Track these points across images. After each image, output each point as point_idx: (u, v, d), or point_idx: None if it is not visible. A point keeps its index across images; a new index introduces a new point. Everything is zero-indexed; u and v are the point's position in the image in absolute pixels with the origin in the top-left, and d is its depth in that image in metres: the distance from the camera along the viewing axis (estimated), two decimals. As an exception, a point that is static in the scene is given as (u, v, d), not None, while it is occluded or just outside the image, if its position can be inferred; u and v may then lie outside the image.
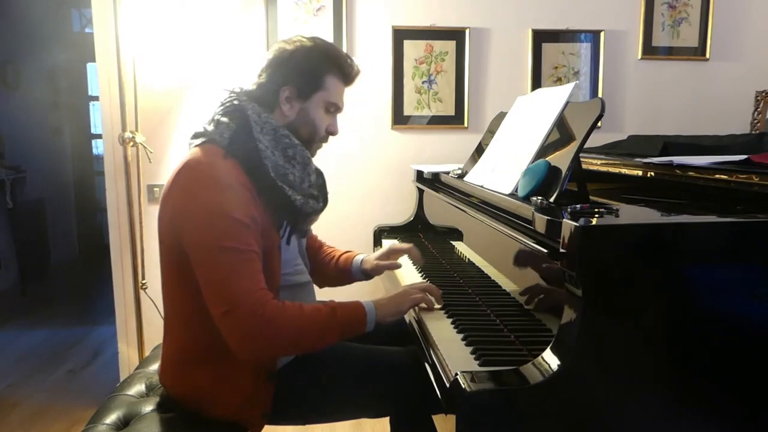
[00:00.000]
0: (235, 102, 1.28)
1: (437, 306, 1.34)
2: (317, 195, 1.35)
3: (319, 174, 1.40)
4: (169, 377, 1.30)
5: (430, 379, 1.06)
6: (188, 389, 1.26)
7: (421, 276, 1.64)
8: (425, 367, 1.12)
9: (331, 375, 1.31)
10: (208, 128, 1.26)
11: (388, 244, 2.12)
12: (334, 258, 1.63)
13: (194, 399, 1.25)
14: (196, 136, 1.28)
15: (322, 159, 2.70)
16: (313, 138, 1.36)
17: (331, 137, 1.39)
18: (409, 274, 1.70)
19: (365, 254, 1.63)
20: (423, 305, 1.33)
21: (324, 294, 1.65)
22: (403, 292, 1.33)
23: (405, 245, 1.63)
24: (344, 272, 1.61)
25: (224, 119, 1.26)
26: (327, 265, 1.62)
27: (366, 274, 1.60)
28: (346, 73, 1.35)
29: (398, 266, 1.62)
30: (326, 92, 1.33)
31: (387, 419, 1.44)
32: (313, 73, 1.31)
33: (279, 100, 1.30)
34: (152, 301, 2.34)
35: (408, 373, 1.31)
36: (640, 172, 1.47)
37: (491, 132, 1.79)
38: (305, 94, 1.31)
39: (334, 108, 1.36)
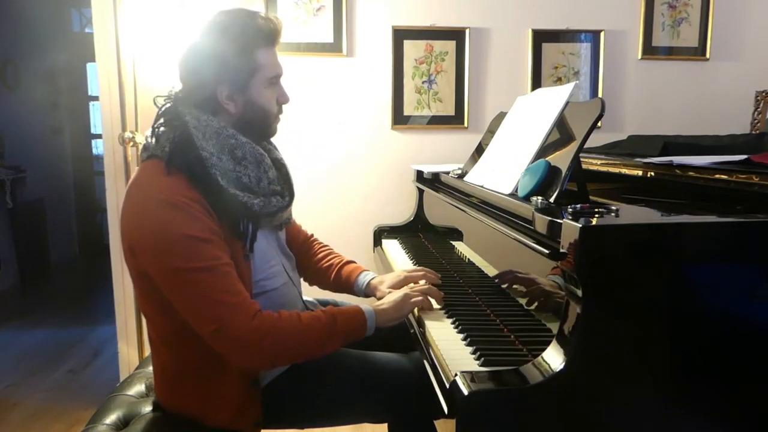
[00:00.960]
0: (172, 109, 1.20)
1: (437, 306, 1.34)
2: (281, 190, 1.27)
3: (280, 165, 1.33)
4: (160, 391, 1.30)
5: (429, 384, 1.05)
6: (178, 404, 1.25)
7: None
8: (424, 372, 1.12)
9: (328, 381, 1.29)
10: (150, 141, 1.19)
11: (387, 244, 2.13)
12: (334, 267, 1.53)
13: (186, 412, 1.24)
14: (143, 149, 1.21)
15: (323, 158, 2.68)
16: (268, 120, 1.28)
17: (285, 106, 1.31)
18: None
19: (371, 273, 1.50)
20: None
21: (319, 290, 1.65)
22: (404, 296, 1.30)
23: (419, 272, 1.47)
24: (345, 287, 1.51)
25: (163, 129, 1.18)
26: (323, 271, 1.54)
27: (369, 295, 1.48)
28: (270, 36, 1.22)
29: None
30: (262, 70, 1.22)
31: (386, 424, 1.44)
32: (240, 59, 1.19)
33: (220, 102, 1.21)
34: (152, 301, 2.34)
35: (406, 379, 1.30)
36: (640, 172, 1.47)
37: (491, 132, 1.79)
38: (243, 84, 1.21)
39: (276, 79, 1.26)
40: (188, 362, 1.21)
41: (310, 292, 1.60)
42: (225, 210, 1.15)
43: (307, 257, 1.57)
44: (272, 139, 1.37)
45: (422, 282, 1.42)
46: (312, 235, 1.62)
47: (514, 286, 1.32)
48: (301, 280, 1.53)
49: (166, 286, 1.11)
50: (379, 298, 1.41)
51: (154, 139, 1.18)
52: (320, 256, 1.57)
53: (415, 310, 1.33)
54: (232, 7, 1.24)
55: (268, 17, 1.23)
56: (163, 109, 1.22)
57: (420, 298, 1.30)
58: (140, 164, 1.21)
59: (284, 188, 1.30)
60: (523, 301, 1.25)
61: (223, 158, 1.17)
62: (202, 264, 1.08)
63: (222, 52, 1.18)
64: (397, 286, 1.41)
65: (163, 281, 1.11)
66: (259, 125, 1.27)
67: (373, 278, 1.48)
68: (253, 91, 1.23)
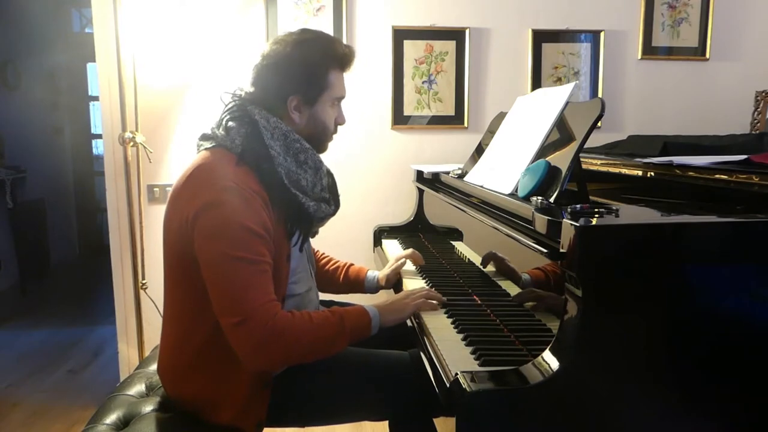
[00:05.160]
0: (241, 107, 1.27)
1: (438, 310, 1.33)
2: (329, 198, 1.35)
3: (330, 175, 1.40)
4: (167, 378, 1.30)
5: (429, 382, 1.06)
6: (185, 393, 1.25)
7: (421, 276, 1.64)
8: (424, 370, 1.12)
9: (329, 379, 1.30)
10: (218, 132, 1.25)
11: (387, 244, 2.13)
12: (341, 269, 1.64)
13: (191, 402, 1.24)
14: (205, 138, 1.26)
15: (323, 158, 2.69)
16: (325, 136, 1.36)
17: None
18: (408, 271, 1.70)
19: (376, 271, 1.65)
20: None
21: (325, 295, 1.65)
22: (405, 297, 1.33)
23: (407, 252, 1.70)
24: (354, 286, 1.63)
25: (233, 124, 1.24)
26: (331, 274, 1.64)
27: (378, 289, 1.64)
28: (345, 62, 1.33)
29: (404, 264, 1.68)
30: (331, 90, 1.31)
31: (387, 422, 1.44)
32: (316, 76, 1.29)
33: (287, 109, 1.29)
34: (152, 301, 2.34)
35: (406, 377, 1.30)
36: (640, 172, 1.47)
37: (491, 132, 1.79)
38: (312, 99, 1.30)
39: (339, 100, 1.36)
40: (203, 352, 1.22)
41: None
42: (283, 207, 1.23)
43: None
44: None
45: (418, 275, 1.46)
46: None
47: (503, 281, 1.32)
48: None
49: (207, 269, 1.13)
50: (384, 285, 1.61)
51: (222, 131, 1.24)
52: (324, 261, 1.67)
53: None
54: (315, 29, 1.35)
55: (346, 45, 1.34)
56: (229, 105, 1.29)
57: (421, 301, 1.32)
58: (203, 151, 1.24)
59: (331, 197, 1.36)
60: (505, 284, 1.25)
61: (288, 159, 1.25)
62: (247, 255, 1.11)
63: (301, 65, 1.27)
64: (392, 273, 1.63)
65: (207, 262, 1.13)
66: (316, 139, 1.34)
67: (380, 275, 1.64)
68: (319, 107, 1.31)
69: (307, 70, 1.27)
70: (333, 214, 1.37)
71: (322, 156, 1.36)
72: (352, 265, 1.66)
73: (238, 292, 1.10)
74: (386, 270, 1.65)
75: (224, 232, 1.11)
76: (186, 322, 1.24)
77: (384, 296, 1.60)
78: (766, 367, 0.97)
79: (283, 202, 1.22)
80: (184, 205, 1.17)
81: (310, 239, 1.44)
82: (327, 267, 1.65)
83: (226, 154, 1.21)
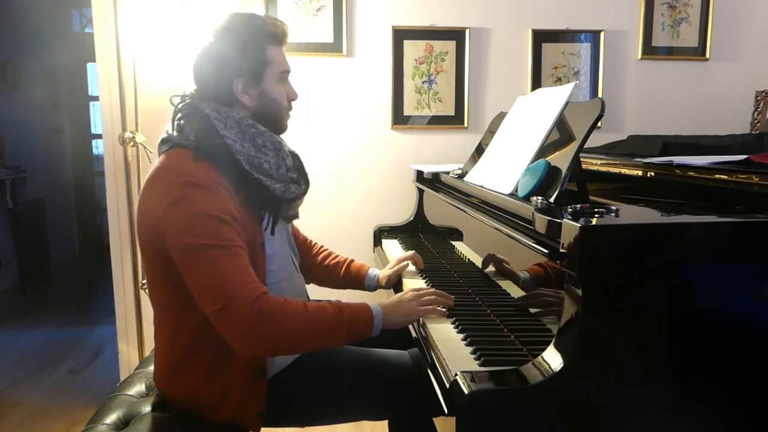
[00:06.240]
0: (190, 104, 1.27)
1: (444, 314, 1.32)
2: (297, 178, 1.33)
3: (295, 156, 1.39)
4: (163, 380, 1.30)
5: (428, 381, 1.06)
6: (182, 392, 1.25)
7: (421, 276, 1.64)
8: (423, 369, 1.12)
9: (328, 378, 1.30)
10: (172, 134, 1.25)
11: (387, 244, 2.13)
12: (342, 264, 1.62)
13: (189, 401, 1.24)
14: (163, 142, 1.26)
15: (322, 158, 2.69)
16: (280, 114, 1.35)
17: (294, 102, 1.39)
18: (408, 271, 1.70)
19: (377, 269, 1.65)
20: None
21: (321, 292, 1.66)
22: (412, 299, 1.29)
23: (408, 253, 1.70)
24: (355, 281, 1.62)
25: (184, 122, 1.25)
26: (331, 269, 1.62)
27: (377, 287, 1.63)
28: (278, 35, 1.33)
29: (406, 267, 1.67)
30: (273, 64, 1.31)
31: (387, 422, 1.44)
32: (253, 54, 1.28)
33: (236, 95, 1.28)
34: (152, 301, 2.34)
35: (406, 376, 1.30)
36: (640, 172, 1.47)
37: (491, 132, 1.79)
38: (257, 77, 1.29)
39: (285, 74, 1.35)
40: (194, 347, 1.22)
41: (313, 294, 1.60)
42: (248, 194, 1.22)
43: (309, 258, 1.62)
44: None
45: (420, 281, 1.44)
46: (308, 239, 1.67)
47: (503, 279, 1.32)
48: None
49: (182, 264, 1.12)
50: (384, 285, 1.61)
51: (175, 132, 1.25)
52: (323, 255, 1.64)
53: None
54: (243, 12, 1.35)
55: (276, 20, 1.34)
56: (179, 105, 1.29)
57: (431, 308, 1.28)
58: (162, 155, 1.25)
59: (300, 177, 1.36)
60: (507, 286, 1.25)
61: (246, 145, 1.24)
62: (216, 242, 1.11)
63: (238, 48, 1.27)
64: (393, 274, 1.62)
65: (180, 258, 1.12)
66: (272, 118, 1.33)
67: (381, 274, 1.63)
68: (266, 84, 1.31)
69: (244, 51, 1.27)
70: (304, 193, 1.36)
71: (285, 136, 1.36)
72: (353, 261, 1.64)
73: (215, 279, 1.09)
74: (387, 271, 1.64)
75: (191, 225, 1.11)
76: (173, 323, 1.24)
77: (383, 295, 1.60)
78: (766, 367, 0.97)
79: (248, 188, 1.22)
80: (152, 208, 1.17)
81: (288, 225, 1.42)
82: (327, 261, 1.63)
83: (182, 152, 1.20)
